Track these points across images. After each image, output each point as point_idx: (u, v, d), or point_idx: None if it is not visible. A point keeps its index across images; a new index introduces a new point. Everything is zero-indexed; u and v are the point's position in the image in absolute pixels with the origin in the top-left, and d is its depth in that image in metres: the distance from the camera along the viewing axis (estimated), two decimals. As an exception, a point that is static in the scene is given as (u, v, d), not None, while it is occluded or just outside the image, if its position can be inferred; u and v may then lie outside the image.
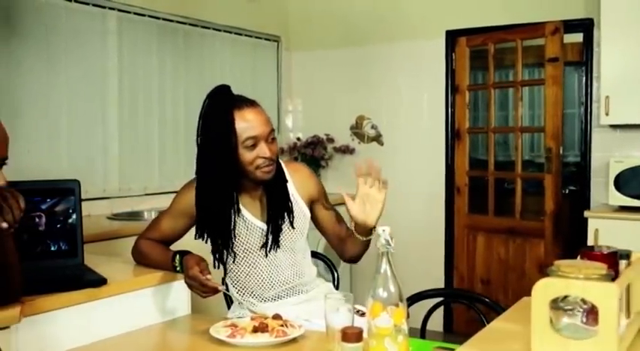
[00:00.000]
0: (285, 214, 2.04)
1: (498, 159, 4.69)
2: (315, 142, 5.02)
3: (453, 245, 4.68)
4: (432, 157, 4.77)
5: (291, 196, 2.09)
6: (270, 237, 2.03)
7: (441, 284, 4.69)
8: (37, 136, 3.50)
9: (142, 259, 2.10)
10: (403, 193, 4.86)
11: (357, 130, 5.04)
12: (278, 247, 2.05)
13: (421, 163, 4.82)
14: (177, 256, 1.95)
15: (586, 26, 4.21)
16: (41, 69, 3.53)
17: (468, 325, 4.46)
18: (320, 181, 2.22)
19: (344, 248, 2.11)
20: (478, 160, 5.07)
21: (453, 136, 4.68)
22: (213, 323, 1.84)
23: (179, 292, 2.05)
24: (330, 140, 5.06)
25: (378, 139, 4.98)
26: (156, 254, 2.05)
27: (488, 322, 1.80)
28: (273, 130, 2.00)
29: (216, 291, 1.88)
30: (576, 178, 4.74)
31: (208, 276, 1.86)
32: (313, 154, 4.97)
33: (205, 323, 1.90)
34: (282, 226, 2.05)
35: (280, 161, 2.11)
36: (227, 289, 2.12)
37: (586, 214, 3.84)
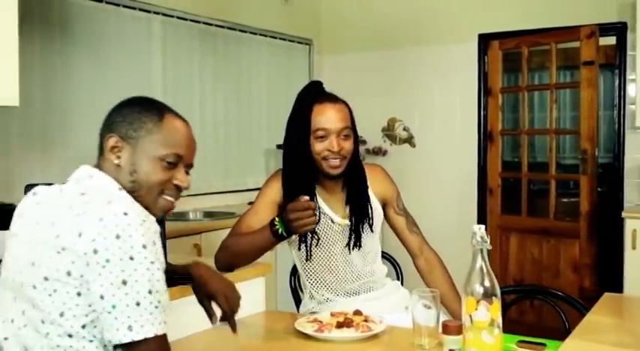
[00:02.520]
0: (366, 216, 2.12)
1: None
2: (348, 144, 5.06)
3: (485, 245, 4.72)
4: (463, 158, 4.82)
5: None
6: (353, 236, 2.10)
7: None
8: (85, 137, 3.56)
9: (234, 249, 2.03)
10: (435, 194, 4.93)
11: (389, 132, 5.11)
12: (360, 247, 2.12)
13: (453, 165, 4.88)
14: (277, 217, 1.89)
15: (619, 30, 4.28)
16: (91, 70, 3.62)
17: (504, 324, 4.49)
18: (395, 185, 2.28)
19: (424, 273, 2.26)
20: (504, 161, 5.11)
21: (485, 137, 4.74)
22: (290, 319, 1.91)
23: (256, 290, 2.12)
24: (363, 142, 5.09)
25: (410, 140, 5.04)
26: (251, 235, 1.99)
27: (567, 319, 1.87)
28: (347, 128, 2.06)
29: (311, 207, 1.84)
30: (604, 178, 4.78)
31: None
32: (346, 155, 5.02)
33: (284, 319, 1.98)
34: (363, 227, 2.13)
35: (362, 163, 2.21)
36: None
37: (623, 214, 3.89)
